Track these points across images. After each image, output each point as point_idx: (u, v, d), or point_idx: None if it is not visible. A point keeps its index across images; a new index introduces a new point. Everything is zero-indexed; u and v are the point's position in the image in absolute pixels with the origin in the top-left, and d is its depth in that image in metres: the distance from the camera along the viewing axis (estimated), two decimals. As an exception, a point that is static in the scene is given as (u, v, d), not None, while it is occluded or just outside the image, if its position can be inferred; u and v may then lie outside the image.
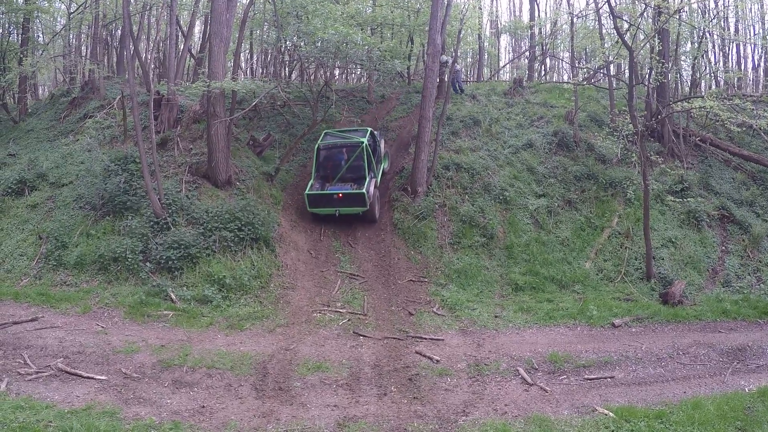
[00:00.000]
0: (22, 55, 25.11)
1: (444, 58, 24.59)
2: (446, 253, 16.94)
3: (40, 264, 15.08)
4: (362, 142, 18.38)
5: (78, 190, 17.05)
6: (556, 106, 24.21)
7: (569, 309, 14.10)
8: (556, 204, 18.53)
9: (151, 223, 15.41)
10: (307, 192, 17.90)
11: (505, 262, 16.65)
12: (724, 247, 17.61)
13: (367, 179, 18.03)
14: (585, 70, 27.04)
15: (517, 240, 17.22)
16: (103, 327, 12.26)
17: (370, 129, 20.21)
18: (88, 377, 9.98)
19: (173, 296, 13.69)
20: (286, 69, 31.23)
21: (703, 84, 28.87)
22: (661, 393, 9.89)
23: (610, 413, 8.98)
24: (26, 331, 11.82)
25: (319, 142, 19.23)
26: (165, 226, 15.33)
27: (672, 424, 8.48)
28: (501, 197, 18.53)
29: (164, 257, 14.54)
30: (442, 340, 12.51)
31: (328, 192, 17.81)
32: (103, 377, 10.02)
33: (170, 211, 15.67)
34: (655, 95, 21.03)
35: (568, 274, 16.13)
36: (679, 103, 19.67)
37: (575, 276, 16.07)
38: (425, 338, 12.59)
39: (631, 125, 16.24)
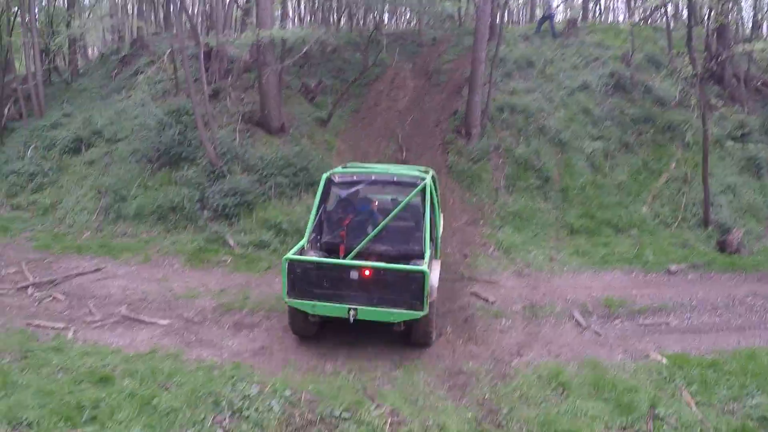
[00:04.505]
0: (70, 18, 25.29)
1: None
2: (501, 195, 16.54)
3: (100, 217, 15.39)
4: (423, 180, 9.91)
5: (133, 145, 17.23)
6: (612, 48, 23.16)
7: (625, 254, 13.75)
8: (613, 147, 17.84)
9: (207, 172, 15.48)
10: (287, 256, 8.77)
11: (560, 205, 16.21)
12: (784, 196, 16.81)
13: (427, 254, 9.19)
14: (642, 9, 25.89)
15: (573, 183, 16.70)
16: (163, 274, 12.43)
17: (431, 170, 11.30)
18: (151, 323, 10.08)
19: (231, 242, 13.78)
20: (335, 15, 30.82)
21: (765, 26, 27.38)
22: (715, 342, 9.53)
23: (664, 359, 8.72)
24: (90, 281, 12.01)
25: (331, 171, 10.65)
26: (221, 174, 15.37)
27: (725, 373, 8.16)
28: (556, 139, 17.91)
29: (221, 205, 14.61)
30: (498, 282, 12.32)
31: (336, 263, 8.95)
32: (165, 322, 10.10)
33: (225, 159, 15.66)
34: (715, 37, 20.04)
35: (624, 218, 15.60)
36: (740, 45, 18.69)
37: (631, 220, 15.54)
38: (480, 280, 12.37)
39: (690, 67, 15.50)
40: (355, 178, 10.48)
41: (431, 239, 9.72)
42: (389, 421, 6.93)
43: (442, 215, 12.25)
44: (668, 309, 10.90)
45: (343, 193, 10.48)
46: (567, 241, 14.89)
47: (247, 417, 6.86)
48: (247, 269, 12.62)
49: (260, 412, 6.95)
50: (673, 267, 12.97)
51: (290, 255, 8.83)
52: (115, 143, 17.83)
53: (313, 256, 9.52)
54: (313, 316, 8.96)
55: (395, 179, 10.39)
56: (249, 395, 7.33)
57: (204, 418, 6.77)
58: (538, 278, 12.56)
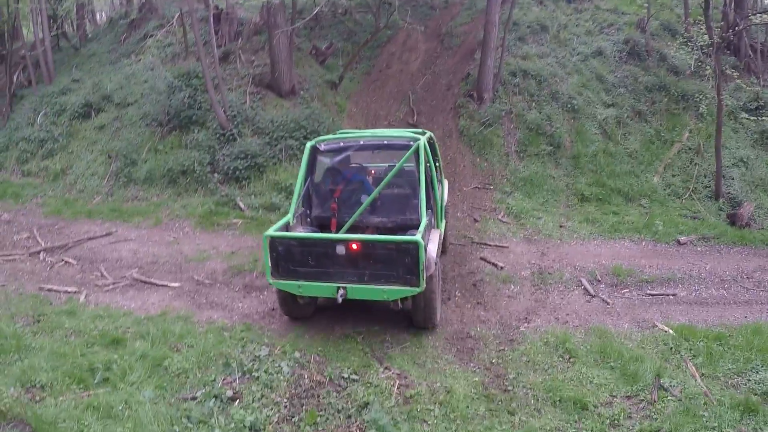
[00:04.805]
0: (77, -17, 25.10)
1: None
2: (512, 160, 16.44)
3: (111, 182, 15.46)
4: (417, 141, 8.83)
5: (143, 109, 17.20)
6: (627, 13, 22.88)
7: (635, 223, 13.63)
8: (626, 115, 17.66)
9: (217, 135, 15.43)
10: (267, 233, 7.84)
11: (571, 172, 16.08)
12: (796, 172, 16.52)
13: (423, 223, 8.04)
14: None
15: (584, 150, 16.54)
16: (174, 237, 12.49)
17: (428, 132, 10.39)
18: (162, 285, 10.15)
19: (241, 205, 13.81)
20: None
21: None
22: (722, 315, 9.41)
23: (670, 330, 8.62)
24: (101, 245, 12.10)
25: (316, 139, 9.64)
26: (231, 137, 15.32)
27: (730, 347, 8.04)
28: (569, 105, 17.73)
29: (231, 168, 14.60)
30: (507, 247, 12.25)
31: (320, 237, 7.98)
32: (176, 284, 10.16)
33: (235, 122, 15.60)
34: (732, 6, 19.60)
35: (635, 187, 15.45)
36: (758, 15, 18.28)
37: (642, 189, 15.39)
38: (490, 245, 12.31)
39: (706, 36, 15.18)
40: (342, 144, 9.43)
41: (429, 206, 8.85)
42: (397, 383, 6.94)
43: (446, 180, 11.72)
44: (676, 280, 10.78)
45: (331, 161, 9.48)
46: (577, 208, 14.81)
47: (257, 378, 6.90)
48: (257, 232, 12.57)
49: (270, 374, 7.00)
50: (683, 238, 12.84)
51: (271, 232, 7.86)
52: (125, 108, 17.81)
53: (300, 232, 8.45)
54: (302, 297, 8.24)
55: (385, 142, 9.48)
56: (259, 356, 7.39)
57: (214, 379, 6.83)
58: (547, 245, 12.49)
